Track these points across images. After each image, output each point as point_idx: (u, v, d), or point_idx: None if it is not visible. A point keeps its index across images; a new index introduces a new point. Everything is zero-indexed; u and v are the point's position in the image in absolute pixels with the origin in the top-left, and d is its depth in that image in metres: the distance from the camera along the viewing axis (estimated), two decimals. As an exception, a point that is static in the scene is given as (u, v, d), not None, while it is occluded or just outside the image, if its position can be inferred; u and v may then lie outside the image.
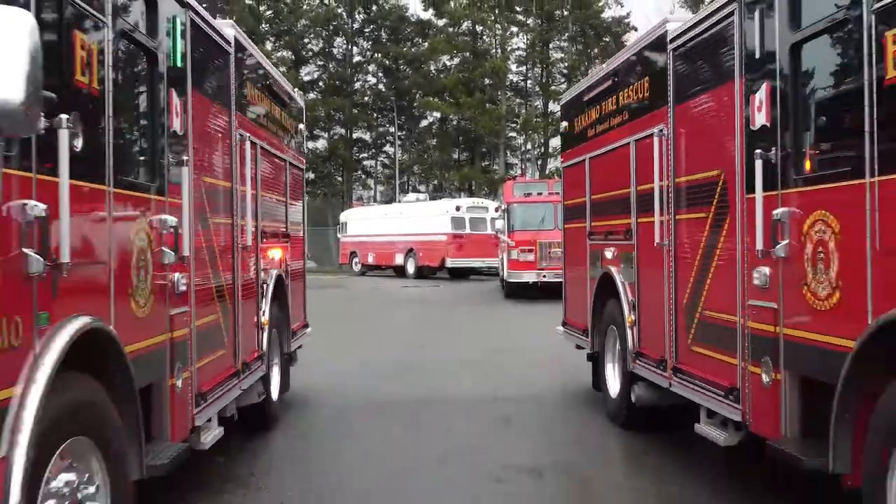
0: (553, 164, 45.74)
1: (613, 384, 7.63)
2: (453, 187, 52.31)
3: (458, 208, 30.79)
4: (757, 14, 4.77)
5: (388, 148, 55.11)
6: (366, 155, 56.00)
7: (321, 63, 53.46)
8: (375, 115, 53.57)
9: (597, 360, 8.16)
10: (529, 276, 21.83)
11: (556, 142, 40.15)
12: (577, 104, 8.83)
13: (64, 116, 3.05)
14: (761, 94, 4.69)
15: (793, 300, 4.43)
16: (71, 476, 3.34)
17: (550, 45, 49.98)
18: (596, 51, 48.15)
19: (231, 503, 5.39)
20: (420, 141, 54.52)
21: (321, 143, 51.89)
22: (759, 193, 4.60)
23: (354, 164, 53.62)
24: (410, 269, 32.06)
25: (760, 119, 4.71)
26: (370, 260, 35.06)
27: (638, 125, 6.78)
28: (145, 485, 3.96)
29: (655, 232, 6.28)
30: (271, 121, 7.59)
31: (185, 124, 4.88)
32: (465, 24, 49.98)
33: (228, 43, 6.05)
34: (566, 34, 48.88)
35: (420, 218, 31.70)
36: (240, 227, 6.20)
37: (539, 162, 48.60)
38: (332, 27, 52.18)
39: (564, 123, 9.32)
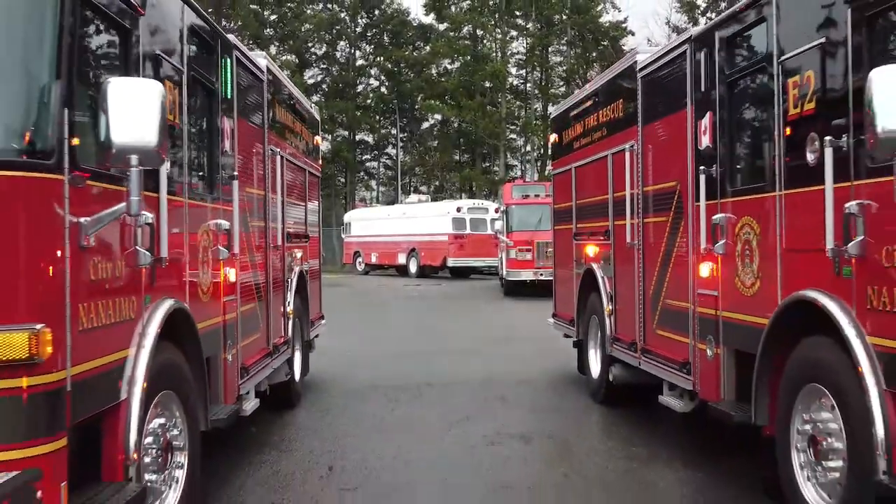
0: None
1: (595, 366, 8.69)
2: (454, 188, 53.38)
3: (458, 209, 31.77)
4: (703, 54, 5.83)
5: (390, 150, 56.17)
6: (368, 156, 57.07)
7: (324, 66, 54.49)
8: (378, 117, 54.58)
9: (581, 347, 9.21)
10: (527, 275, 22.87)
11: (554, 144, 41.02)
12: (564, 119, 9.88)
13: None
14: (706, 121, 5.75)
15: (728, 288, 5.48)
16: (162, 420, 4.39)
17: (549, 50, 50.92)
18: (594, 54, 49.17)
19: (266, 461, 6.41)
20: (422, 143, 55.53)
21: (324, 146, 52.88)
22: (702, 202, 5.66)
23: (357, 165, 54.63)
24: (413, 268, 33.09)
25: (705, 141, 5.76)
26: (373, 259, 36.09)
27: (614, 140, 7.83)
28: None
29: (627, 233, 7.34)
30: (294, 135, 8.64)
31: (233, 145, 5.93)
32: (466, 29, 50.94)
33: (262, 72, 7.09)
34: (565, 38, 49.86)
35: (422, 218, 32.70)
36: (271, 230, 7.25)
37: (538, 163, 49.61)
38: (335, 31, 53.17)
39: (554, 135, 10.37)
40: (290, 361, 8.07)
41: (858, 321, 4.04)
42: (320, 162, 11.01)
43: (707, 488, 5.61)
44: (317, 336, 9.84)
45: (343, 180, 54.62)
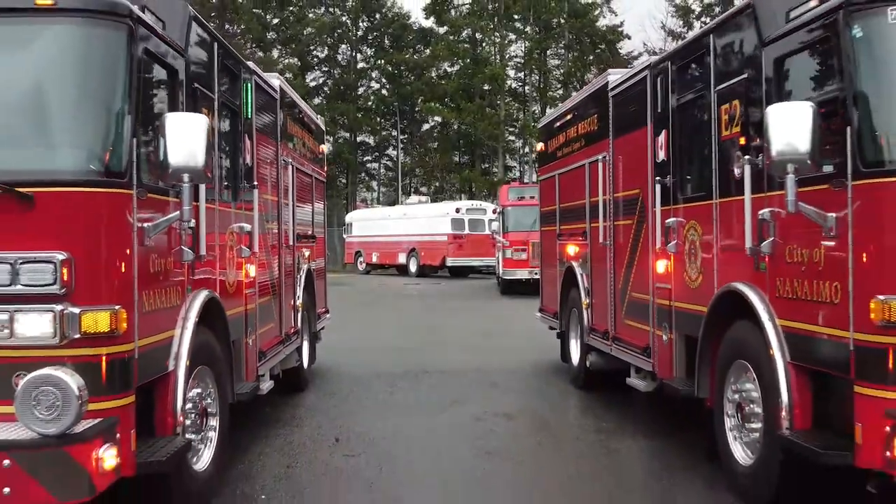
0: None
1: (575, 355, 9.59)
2: (454, 189, 54.24)
3: (457, 210, 32.64)
4: (659, 80, 6.73)
5: (390, 151, 57.04)
6: (369, 158, 57.93)
7: (326, 69, 55.31)
8: (379, 119, 55.43)
9: (564, 337, 10.11)
10: (522, 274, 23.75)
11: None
12: (549, 129, 10.78)
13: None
14: (661, 137, 6.66)
15: (679, 282, 6.39)
16: (199, 390, 5.29)
17: (547, 53, 51.76)
18: (591, 58, 50.03)
19: (280, 434, 7.31)
20: (422, 144, 56.36)
21: (326, 147, 53.63)
22: (658, 207, 6.57)
23: (358, 166, 55.51)
24: (413, 267, 33.98)
25: (661, 155, 6.67)
26: (374, 259, 36.99)
27: (590, 151, 8.72)
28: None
29: (600, 234, 8.24)
30: (303, 145, 9.55)
31: (252, 157, 6.83)
32: (466, 32, 51.71)
33: (275, 91, 7.99)
34: (562, 42, 50.68)
35: (422, 219, 33.55)
36: (283, 231, 8.15)
37: (536, 165, 50.35)
38: (337, 35, 53.98)
39: (540, 144, 11.28)
40: (299, 350, 8.98)
41: (771, 307, 4.95)
42: (325, 167, 11.91)
43: (662, 455, 6.51)
44: (322, 328, 10.75)
45: (344, 181, 55.47)
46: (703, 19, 46.14)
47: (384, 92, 55.52)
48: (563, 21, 49.95)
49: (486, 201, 37.70)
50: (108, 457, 3.77)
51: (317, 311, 10.28)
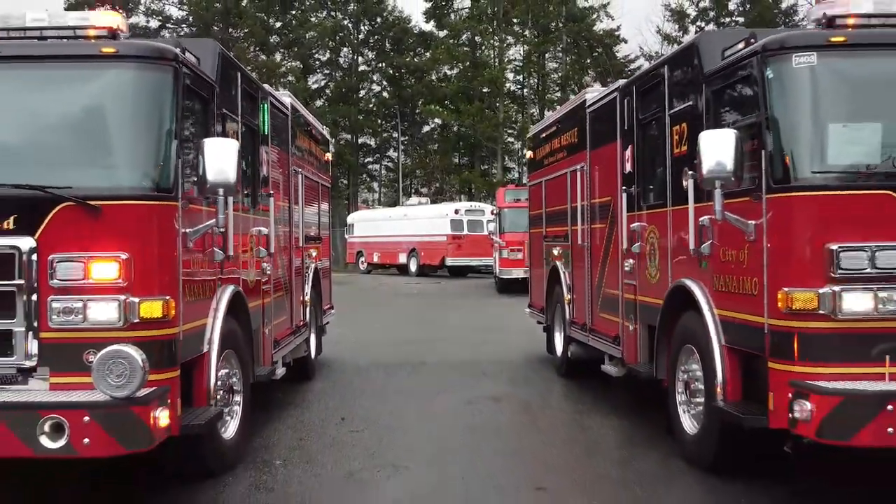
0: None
1: (558, 346, 10.51)
2: (454, 190, 55.10)
3: (456, 211, 33.54)
4: (626, 101, 7.65)
5: (391, 153, 57.95)
6: (371, 159, 58.84)
7: (328, 72, 56.19)
8: (380, 121, 56.30)
9: (549, 331, 11.04)
10: (518, 273, 24.59)
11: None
12: (537, 139, 11.70)
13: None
14: (628, 152, 7.58)
15: (642, 279, 7.31)
16: (226, 370, 6.21)
17: (546, 56, 52.62)
18: (588, 61, 50.91)
19: (292, 415, 8.22)
20: (422, 146, 57.28)
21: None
22: (624, 213, 7.48)
23: (360, 168, 56.41)
24: (413, 267, 34.90)
25: (628, 167, 7.59)
26: (375, 259, 37.92)
27: (571, 161, 9.64)
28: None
29: (579, 236, 9.16)
30: (311, 155, 10.47)
31: (269, 169, 7.75)
32: (465, 36, 52.53)
33: (286, 108, 8.91)
34: (560, 46, 51.52)
35: (422, 220, 34.46)
36: (293, 234, 9.07)
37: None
38: (338, 38, 54.82)
39: (529, 153, 12.20)
40: (307, 341, 9.90)
41: (710, 299, 5.87)
42: (329, 173, 12.83)
43: (628, 430, 7.44)
44: (328, 323, 11.67)
45: (346, 182, 56.36)
46: (698, 23, 47.16)
47: (385, 94, 56.38)
48: (560, 25, 50.77)
49: (486, 202, 38.57)
50: (162, 417, 4.70)
51: (323, 307, 11.20)
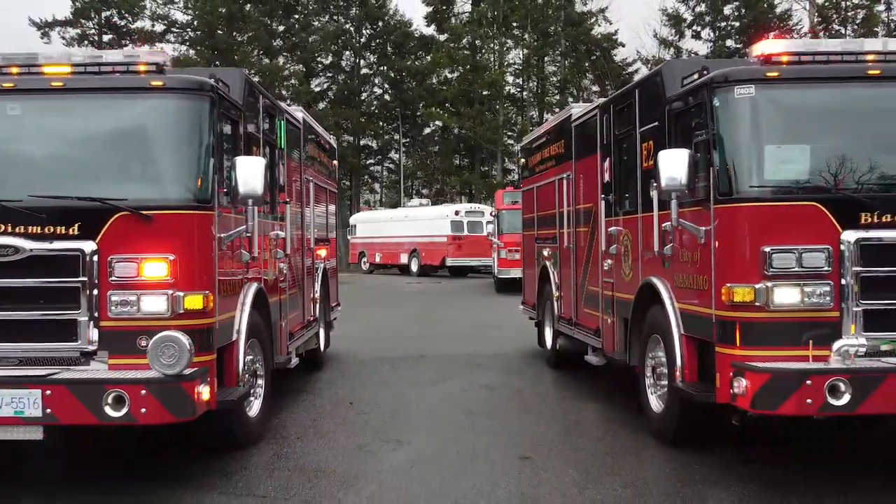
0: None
1: (548, 339, 11.40)
2: (454, 191, 56.01)
3: (457, 213, 34.44)
4: (605, 117, 8.55)
5: (393, 154, 58.83)
6: (372, 161, 59.75)
7: (331, 75, 57.00)
8: (381, 123, 57.14)
9: (540, 326, 11.93)
10: (516, 273, 25.28)
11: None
12: (530, 148, 12.60)
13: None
14: (606, 164, 8.47)
15: (618, 277, 8.21)
16: (251, 357, 7.11)
17: (545, 60, 53.50)
18: (587, 64, 51.79)
19: (304, 400, 9.12)
20: (423, 148, 58.17)
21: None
22: (602, 219, 8.38)
23: (362, 169, 57.30)
24: (414, 267, 35.80)
25: (606, 177, 8.49)
26: (377, 259, 38.82)
27: (559, 169, 10.53)
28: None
29: (566, 239, 10.06)
30: (320, 163, 11.37)
31: (284, 178, 8.65)
32: (466, 40, 53.35)
33: (299, 122, 9.81)
34: (559, 49, 52.39)
35: (423, 221, 35.34)
36: (305, 236, 9.97)
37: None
38: (341, 42, 55.68)
39: (523, 160, 13.10)
40: (317, 335, 10.80)
41: (672, 294, 6.76)
42: (336, 179, 13.75)
43: (605, 412, 8.35)
44: (335, 318, 12.58)
45: (348, 184, 57.22)
46: (694, 27, 48.01)
47: (387, 97, 57.22)
48: (559, 29, 51.65)
49: (486, 203, 39.41)
50: (204, 392, 5.60)
51: (331, 304, 12.11)
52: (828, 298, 5.59)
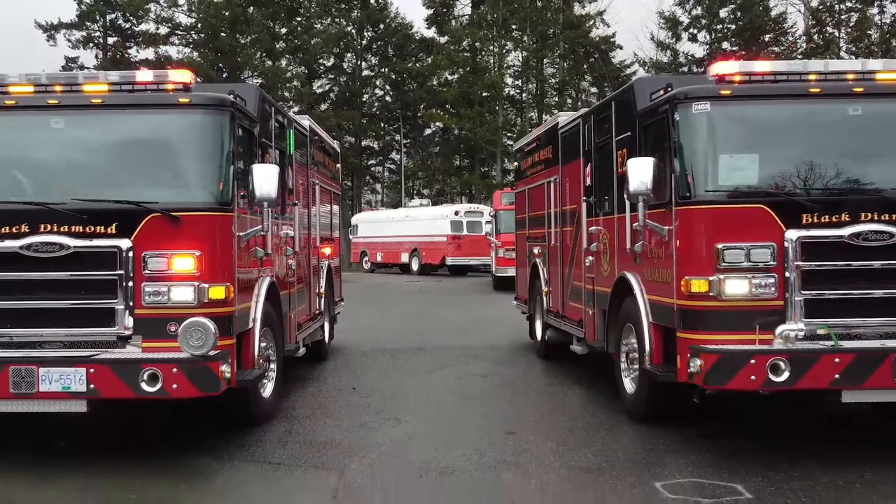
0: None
1: (538, 332, 12.19)
2: (454, 192, 56.82)
3: (456, 213, 35.20)
4: (587, 126, 9.34)
5: (394, 155, 59.63)
6: (374, 161, 60.54)
7: (333, 77, 57.76)
8: (382, 124, 57.90)
9: (531, 319, 12.72)
10: (513, 271, 25.96)
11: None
12: (521, 152, 13.40)
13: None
14: (588, 168, 9.26)
15: (597, 272, 9.00)
16: (265, 343, 7.89)
17: (544, 62, 54.24)
18: (585, 67, 52.55)
19: (310, 386, 9.91)
20: (424, 149, 58.96)
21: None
22: (584, 219, 9.17)
23: (363, 170, 58.08)
24: (415, 266, 36.57)
25: (588, 181, 9.27)
26: (379, 258, 39.60)
27: (548, 173, 11.32)
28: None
29: (553, 238, 10.85)
30: (324, 167, 12.17)
31: (293, 182, 9.44)
32: (466, 42, 54.04)
33: (305, 130, 10.59)
34: (558, 52, 53.12)
35: (423, 221, 36.09)
36: (311, 235, 10.75)
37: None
38: (342, 44, 56.39)
39: (515, 164, 13.89)
40: (322, 327, 11.60)
41: (643, 287, 7.55)
42: (340, 181, 14.54)
43: (586, 395, 9.14)
44: (339, 313, 13.39)
45: (350, 184, 57.99)
46: (690, 30, 48.76)
47: (388, 99, 57.93)
48: (558, 32, 52.39)
49: (486, 203, 40.14)
50: (226, 371, 6.38)
51: (334, 299, 12.91)
52: (773, 289, 6.36)
